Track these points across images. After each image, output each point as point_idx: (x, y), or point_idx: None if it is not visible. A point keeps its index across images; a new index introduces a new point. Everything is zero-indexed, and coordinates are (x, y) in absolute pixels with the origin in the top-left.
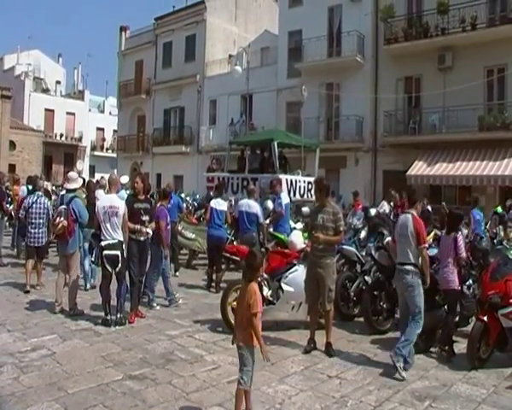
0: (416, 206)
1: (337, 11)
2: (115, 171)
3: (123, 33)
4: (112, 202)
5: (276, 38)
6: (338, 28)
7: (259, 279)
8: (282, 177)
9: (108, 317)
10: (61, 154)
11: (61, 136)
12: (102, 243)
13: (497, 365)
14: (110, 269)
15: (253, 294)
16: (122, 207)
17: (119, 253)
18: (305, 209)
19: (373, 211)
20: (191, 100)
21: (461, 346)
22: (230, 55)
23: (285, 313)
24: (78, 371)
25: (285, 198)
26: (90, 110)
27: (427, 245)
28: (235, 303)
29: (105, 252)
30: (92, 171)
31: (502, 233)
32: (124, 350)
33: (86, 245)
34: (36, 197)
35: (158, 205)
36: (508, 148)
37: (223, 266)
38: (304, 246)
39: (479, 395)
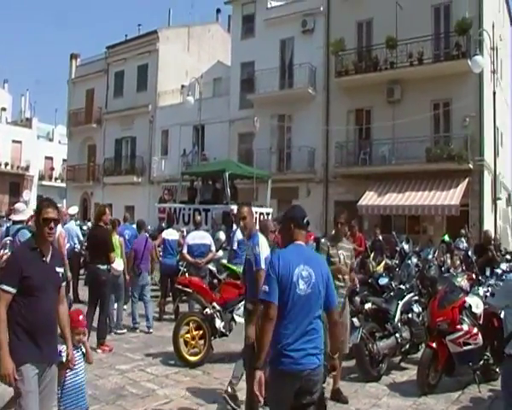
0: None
1: (289, 43)
2: (64, 201)
3: (73, 61)
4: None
5: (228, 68)
6: (290, 60)
7: (211, 311)
8: (234, 207)
9: None
10: (6, 183)
11: (6, 165)
12: None
13: (445, 390)
14: None
15: None
16: None
17: None
18: None
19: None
20: (143, 130)
21: (411, 373)
22: (183, 86)
23: (238, 345)
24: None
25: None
26: (38, 138)
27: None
28: (187, 335)
29: None
30: None
31: (449, 261)
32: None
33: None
34: None
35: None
36: (454, 178)
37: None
38: None
39: None
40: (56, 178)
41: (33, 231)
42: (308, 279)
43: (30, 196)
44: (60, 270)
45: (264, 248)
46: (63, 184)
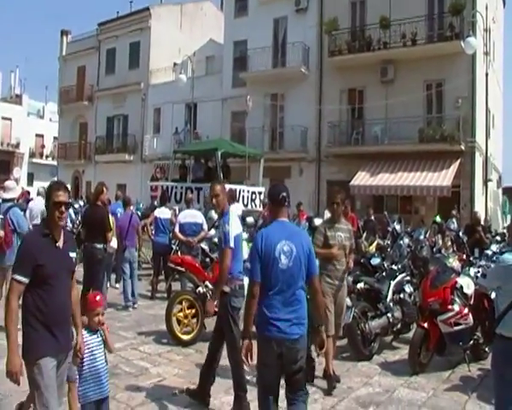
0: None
1: (282, 22)
2: (55, 179)
3: (64, 37)
4: None
5: (221, 47)
6: (283, 39)
7: (204, 290)
8: (226, 186)
9: None
10: None
11: None
12: None
13: (435, 369)
14: None
15: None
16: None
17: None
18: (250, 219)
19: (317, 221)
20: (135, 108)
21: (402, 352)
22: (175, 64)
23: None
24: (11, 392)
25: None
26: (28, 115)
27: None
28: (180, 314)
29: None
30: (31, 179)
31: (440, 242)
32: None
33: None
34: None
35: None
36: (446, 159)
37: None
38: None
39: (419, 398)
40: (47, 156)
41: (44, 217)
42: (289, 253)
43: (20, 173)
44: (73, 255)
45: (234, 226)
46: (54, 162)
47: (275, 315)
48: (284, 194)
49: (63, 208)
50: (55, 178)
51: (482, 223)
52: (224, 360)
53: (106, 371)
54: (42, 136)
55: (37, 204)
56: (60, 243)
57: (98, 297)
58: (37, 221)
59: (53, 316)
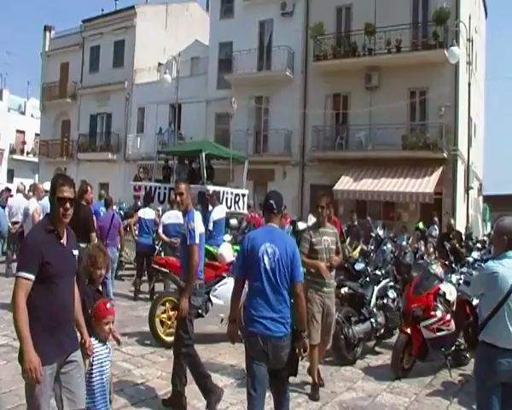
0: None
1: (268, 25)
2: (37, 176)
3: (47, 33)
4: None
5: (206, 48)
6: (268, 42)
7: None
8: (210, 188)
9: None
10: None
11: None
12: None
13: (417, 374)
14: None
15: None
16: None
17: None
18: (233, 222)
19: (301, 225)
20: (119, 106)
21: (385, 357)
22: (160, 64)
23: (214, 326)
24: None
25: (218, 213)
26: (9, 111)
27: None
28: (163, 316)
29: None
30: (11, 175)
31: (423, 248)
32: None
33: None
34: None
35: None
36: (428, 167)
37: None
38: (233, 258)
39: (402, 403)
40: (28, 153)
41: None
42: (272, 255)
43: (0, 169)
44: (76, 253)
45: (198, 224)
46: (35, 159)
47: (260, 313)
48: (272, 201)
49: (68, 205)
50: (37, 176)
51: (464, 230)
52: (208, 362)
53: (108, 385)
54: (23, 132)
55: (17, 201)
56: (64, 240)
57: (109, 305)
58: (17, 219)
59: (57, 318)
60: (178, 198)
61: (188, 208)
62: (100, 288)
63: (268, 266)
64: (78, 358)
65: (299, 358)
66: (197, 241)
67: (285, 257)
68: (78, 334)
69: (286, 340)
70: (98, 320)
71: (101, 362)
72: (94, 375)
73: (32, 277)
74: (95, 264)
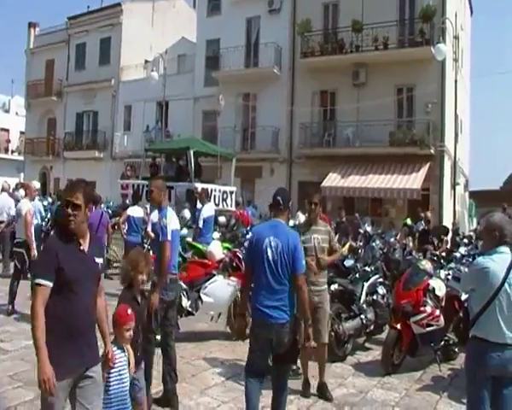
0: None
1: (255, 22)
2: (22, 175)
3: (31, 30)
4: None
5: (193, 45)
6: (256, 39)
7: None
8: (198, 185)
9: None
10: None
11: None
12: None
13: (407, 369)
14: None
15: None
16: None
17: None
18: (222, 219)
19: (289, 222)
20: (105, 104)
21: (375, 353)
22: (146, 61)
23: (204, 324)
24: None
25: (208, 211)
26: None
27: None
28: None
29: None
30: None
31: (411, 244)
32: (35, 367)
33: None
34: None
35: None
36: (416, 163)
37: None
38: (223, 256)
39: (392, 399)
40: (13, 151)
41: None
42: (275, 248)
43: None
44: (99, 260)
45: (172, 221)
46: (21, 158)
47: (263, 302)
48: (279, 197)
49: (69, 210)
50: (22, 175)
51: (451, 226)
52: (199, 360)
53: (128, 393)
54: (7, 130)
55: (2, 200)
56: (84, 247)
57: (129, 311)
58: (2, 218)
59: (77, 328)
60: (150, 195)
61: (161, 205)
62: (138, 297)
63: (271, 258)
64: (96, 374)
65: (299, 346)
66: (169, 237)
67: (287, 250)
68: (100, 343)
69: (288, 326)
70: (119, 327)
71: (120, 370)
72: (112, 384)
73: (50, 284)
74: (136, 268)
